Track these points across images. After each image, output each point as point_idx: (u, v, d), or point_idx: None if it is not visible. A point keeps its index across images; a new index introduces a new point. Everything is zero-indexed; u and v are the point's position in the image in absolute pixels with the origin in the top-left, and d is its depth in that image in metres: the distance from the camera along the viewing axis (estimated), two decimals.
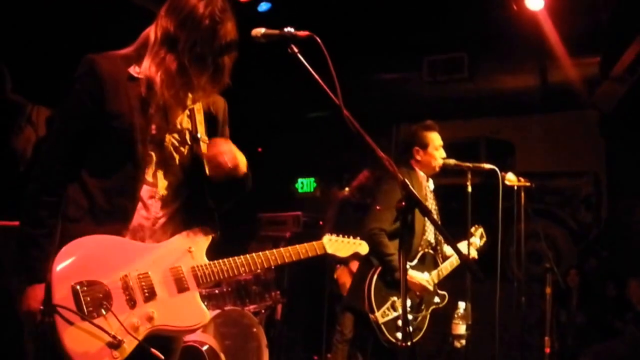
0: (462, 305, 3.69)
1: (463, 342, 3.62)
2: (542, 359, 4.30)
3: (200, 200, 2.11)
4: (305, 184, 7.38)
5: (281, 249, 2.17)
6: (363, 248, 2.50)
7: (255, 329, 4.29)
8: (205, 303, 4.29)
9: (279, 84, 6.61)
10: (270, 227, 5.93)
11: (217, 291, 4.37)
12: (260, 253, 2.12)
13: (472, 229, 3.95)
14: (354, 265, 5.20)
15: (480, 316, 3.85)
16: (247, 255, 2.09)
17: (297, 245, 2.21)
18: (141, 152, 1.96)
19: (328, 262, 5.51)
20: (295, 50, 2.05)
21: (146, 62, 1.97)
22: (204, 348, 3.54)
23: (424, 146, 3.81)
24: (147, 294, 1.89)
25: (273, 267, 2.22)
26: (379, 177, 4.89)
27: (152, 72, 1.95)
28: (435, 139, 3.82)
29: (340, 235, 2.44)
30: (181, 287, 1.96)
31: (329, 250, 2.33)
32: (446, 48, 6.27)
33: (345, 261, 5.35)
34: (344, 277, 5.38)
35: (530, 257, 5.16)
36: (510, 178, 3.92)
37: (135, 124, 1.95)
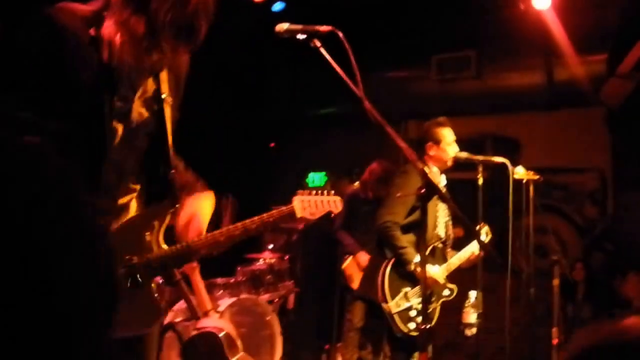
0: (473, 294, 3.77)
1: (474, 330, 3.70)
2: (549, 351, 4.36)
3: (160, 171, 1.95)
4: (316, 178, 7.45)
5: (247, 220, 1.98)
6: (336, 206, 2.21)
7: (269, 317, 4.38)
8: (221, 291, 4.45)
9: (292, 81, 6.71)
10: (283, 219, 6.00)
11: (232, 280, 4.48)
12: (224, 229, 1.94)
13: (478, 227, 4.01)
14: (361, 257, 5.28)
15: (489, 309, 3.92)
16: (209, 235, 1.92)
17: (264, 214, 2.02)
18: (106, 127, 1.76)
19: (339, 252, 5.59)
20: (318, 44, 2.15)
21: (109, 23, 1.73)
22: (221, 334, 3.63)
23: (437, 142, 3.89)
24: None
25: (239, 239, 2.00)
26: (391, 170, 4.96)
27: (114, 34, 1.72)
28: (447, 134, 3.90)
29: (313, 193, 2.16)
30: (136, 285, 1.83)
31: (300, 214, 2.09)
32: (454, 47, 6.34)
33: (352, 253, 5.40)
34: (351, 269, 5.44)
35: (536, 250, 5.22)
36: (519, 172, 3.97)
37: (99, 96, 1.73)
